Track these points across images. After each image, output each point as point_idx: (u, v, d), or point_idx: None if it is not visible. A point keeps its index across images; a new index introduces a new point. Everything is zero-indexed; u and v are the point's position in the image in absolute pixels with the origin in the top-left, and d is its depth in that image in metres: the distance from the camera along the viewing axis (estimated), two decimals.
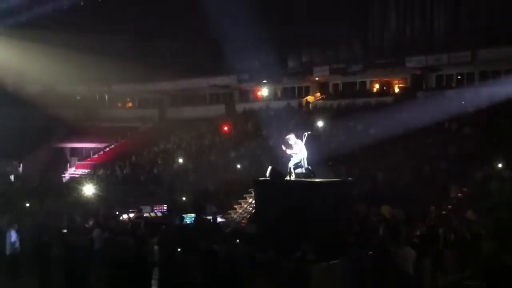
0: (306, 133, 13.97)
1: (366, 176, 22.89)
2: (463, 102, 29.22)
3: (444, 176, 21.57)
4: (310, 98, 41.06)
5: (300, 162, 13.68)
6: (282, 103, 40.68)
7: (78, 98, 52.17)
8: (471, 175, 21.09)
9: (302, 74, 41.83)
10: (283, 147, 13.90)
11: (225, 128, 39.25)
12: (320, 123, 31.86)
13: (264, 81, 43.33)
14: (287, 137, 13.82)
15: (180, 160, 34.78)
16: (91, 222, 15.19)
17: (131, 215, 21.41)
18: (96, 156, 45.13)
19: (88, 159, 45.06)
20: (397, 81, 39.59)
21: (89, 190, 26.77)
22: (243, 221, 22.19)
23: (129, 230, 14.66)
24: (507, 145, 22.75)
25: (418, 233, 12.82)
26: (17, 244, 14.62)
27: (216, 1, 35.67)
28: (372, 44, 40.13)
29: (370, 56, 39.18)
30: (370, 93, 39.05)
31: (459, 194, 20.40)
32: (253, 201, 20.08)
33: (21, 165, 44.70)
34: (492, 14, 34.29)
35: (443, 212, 18.44)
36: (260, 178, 14.52)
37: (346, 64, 39.14)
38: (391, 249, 11.40)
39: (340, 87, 41.63)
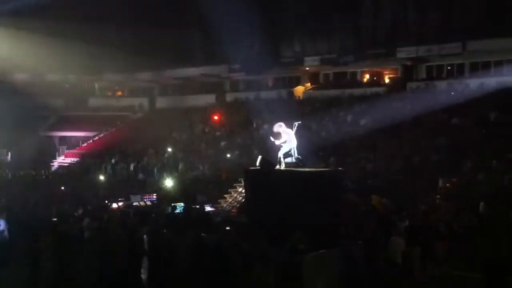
0: (296, 123, 13.97)
1: (356, 166, 22.95)
2: (453, 93, 29.36)
3: (434, 167, 21.66)
4: (299, 89, 41.04)
5: (290, 151, 13.69)
6: (272, 93, 40.64)
7: (67, 86, 51.77)
8: (460, 166, 21.21)
9: (293, 64, 41.79)
10: (272, 138, 13.90)
11: (215, 118, 39.15)
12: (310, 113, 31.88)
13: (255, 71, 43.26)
14: (276, 125, 13.80)
15: (170, 149, 34.72)
16: (80, 211, 15.13)
17: (121, 204, 21.40)
18: (85, 145, 44.90)
19: (77, 148, 44.82)
20: (387, 72, 39.70)
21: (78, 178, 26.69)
22: (232, 210, 22.20)
23: (119, 219, 14.62)
24: (496, 136, 22.88)
25: (407, 223, 12.87)
26: (6, 233, 14.53)
27: None
28: (363, 35, 40.09)
29: (361, 46, 39.18)
30: (361, 84, 39.13)
31: (447, 185, 20.50)
32: (243, 191, 20.08)
33: (9, 153, 44.44)
34: (482, 5, 34.30)
35: (432, 203, 18.57)
36: (250, 168, 14.51)
37: (337, 54, 39.14)
38: (381, 239, 11.45)
39: (331, 77, 41.64)
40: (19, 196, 22.59)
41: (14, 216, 15.24)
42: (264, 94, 41.05)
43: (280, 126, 13.78)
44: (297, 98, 39.72)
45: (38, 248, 12.40)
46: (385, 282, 10.74)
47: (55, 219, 14.65)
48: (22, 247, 13.49)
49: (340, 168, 15.81)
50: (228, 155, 29.92)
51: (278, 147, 13.85)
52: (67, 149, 45.61)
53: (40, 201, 19.87)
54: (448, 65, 36.20)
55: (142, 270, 11.72)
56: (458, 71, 35.19)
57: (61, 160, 43.07)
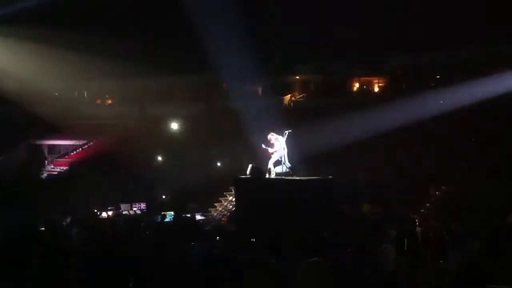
0: (286, 131, 13.97)
1: (347, 175, 22.95)
2: (441, 102, 29.51)
3: (424, 175, 21.72)
4: (287, 97, 41.13)
5: (280, 159, 13.67)
6: (262, 101, 40.62)
7: (56, 94, 51.43)
8: (450, 174, 21.28)
9: (283, 72, 41.87)
10: (263, 146, 13.88)
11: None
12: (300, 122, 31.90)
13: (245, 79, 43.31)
14: (269, 136, 13.82)
15: (160, 158, 34.59)
16: (68, 220, 14.97)
17: (110, 213, 21.25)
18: (74, 153, 44.61)
19: (67, 156, 44.52)
20: (377, 81, 39.85)
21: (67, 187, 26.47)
22: (223, 219, 22.12)
23: (108, 228, 14.49)
24: (485, 145, 23.00)
25: (397, 231, 12.86)
26: None
27: None
28: (353, 44, 40.23)
29: (351, 55, 39.33)
30: (350, 92, 39.25)
31: (437, 193, 20.57)
32: (233, 199, 20.02)
33: None
34: (472, 14, 34.54)
35: (422, 211, 18.62)
36: (241, 176, 14.46)
37: (327, 63, 39.26)
38: (371, 246, 11.42)
39: (321, 86, 41.74)
40: (5, 205, 22.32)
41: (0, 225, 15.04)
42: (253, 102, 40.99)
43: (272, 135, 13.81)
44: (287, 106, 39.76)
45: (25, 259, 12.24)
46: None
47: (43, 228, 14.47)
48: (7, 257, 13.31)
49: (330, 177, 15.77)
50: (218, 164, 29.84)
51: (268, 156, 13.84)
52: (56, 158, 45.27)
53: (27, 210, 19.66)
54: (437, 74, 36.36)
55: (131, 280, 11.59)
56: (447, 80, 35.34)
57: (50, 169, 42.76)
